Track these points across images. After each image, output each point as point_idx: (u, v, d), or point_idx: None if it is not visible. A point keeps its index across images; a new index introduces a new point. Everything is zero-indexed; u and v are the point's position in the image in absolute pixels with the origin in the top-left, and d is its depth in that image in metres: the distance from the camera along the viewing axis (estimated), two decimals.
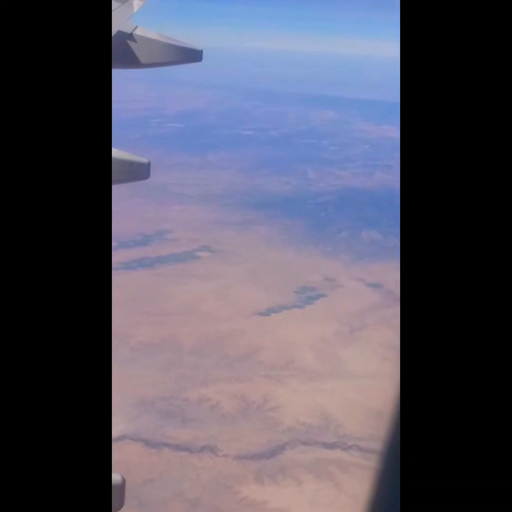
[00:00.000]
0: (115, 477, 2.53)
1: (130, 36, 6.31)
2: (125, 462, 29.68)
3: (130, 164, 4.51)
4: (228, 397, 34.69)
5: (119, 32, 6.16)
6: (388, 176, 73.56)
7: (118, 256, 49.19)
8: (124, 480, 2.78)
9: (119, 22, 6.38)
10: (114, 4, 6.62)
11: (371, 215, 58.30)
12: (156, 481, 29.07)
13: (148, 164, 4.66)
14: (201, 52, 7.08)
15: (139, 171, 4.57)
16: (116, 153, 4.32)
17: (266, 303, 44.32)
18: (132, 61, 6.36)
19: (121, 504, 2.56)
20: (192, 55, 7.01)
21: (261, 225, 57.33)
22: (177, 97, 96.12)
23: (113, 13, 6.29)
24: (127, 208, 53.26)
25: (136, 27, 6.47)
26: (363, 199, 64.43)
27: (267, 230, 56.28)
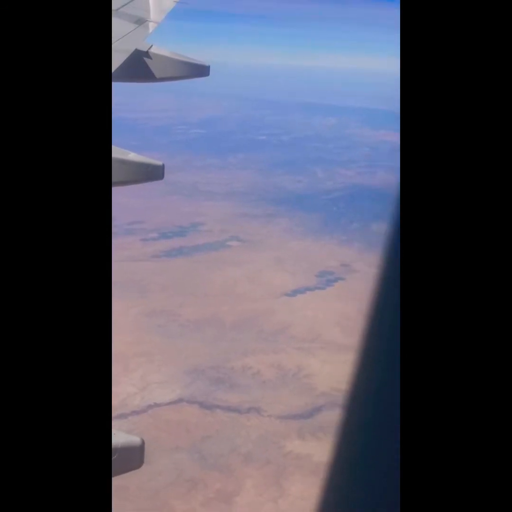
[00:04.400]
0: (135, 439, 2.33)
1: (146, 53, 6.34)
2: (184, 421, 29.97)
3: (147, 166, 4.34)
4: (267, 366, 34.78)
5: (137, 50, 6.16)
6: (389, 175, 73.31)
7: (160, 246, 49.40)
8: (143, 442, 2.41)
9: (136, 41, 6.40)
10: (132, 26, 6.75)
11: (378, 209, 58.28)
12: (213, 438, 29.19)
13: (162, 166, 4.42)
14: (208, 67, 7.02)
15: (155, 172, 4.36)
16: (134, 156, 4.28)
17: (291, 285, 44.38)
18: (148, 76, 6.40)
19: (141, 463, 2.39)
20: (201, 70, 7.01)
21: (281, 217, 57.38)
22: (198, 107, 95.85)
23: (131, 33, 6.60)
24: (165, 204, 53.45)
25: (151, 45, 6.49)
26: (369, 195, 64.26)
27: (287, 222, 56.31)
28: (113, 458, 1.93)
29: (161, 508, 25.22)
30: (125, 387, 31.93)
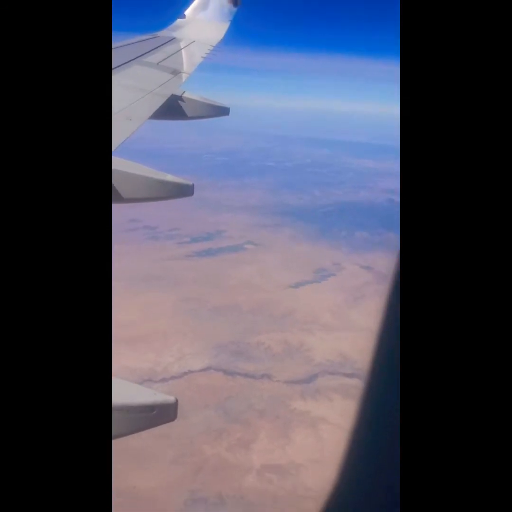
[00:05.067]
0: (171, 398, 2.14)
1: (180, 98, 6.33)
2: (212, 385, 30.03)
3: (181, 185, 4.15)
4: (276, 342, 34.76)
5: (173, 95, 6.12)
6: (369, 194, 73.97)
7: (192, 248, 49.40)
8: (177, 400, 2.20)
9: (172, 88, 6.32)
10: (169, 76, 6.66)
11: (360, 221, 58.39)
12: (234, 398, 29.22)
13: (193, 185, 4.24)
14: (228, 109, 7.04)
15: (187, 190, 4.20)
16: (171, 178, 4.09)
17: (294, 279, 44.32)
18: (182, 115, 6.36)
19: (175, 417, 2.17)
20: (223, 111, 7.01)
21: (286, 226, 57.28)
22: (219, 140, 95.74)
23: (168, 82, 6.49)
24: (195, 216, 53.51)
25: (184, 91, 6.49)
26: (354, 209, 64.36)
27: (290, 230, 56.21)
28: (152, 413, 1.91)
29: (194, 452, 25.27)
30: (166, 358, 32.03)
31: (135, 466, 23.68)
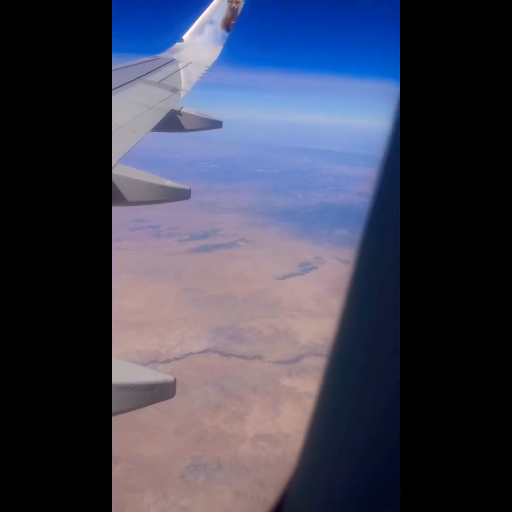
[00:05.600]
0: (170, 377, 2.11)
1: (179, 112, 6.29)
2: (210, 365, 30.01)
3: (179, 189, 4.10)
4: (266, 327, 34.74)
5: (172, 110, 6.09)
6: (346, 196, 74.09)
7: (191, 245, 49.33)
8: (175, 380, 2.15)
9: (172, 103, 6.30)
10: (169, 93, 6.64)
11: (339, 220, 58.42)
12: (229, 376, 29.20)
13: (189, 190, 4.18)
14: (221, 122, 7.00)
15: (185, 194, 4.14)
16: (170, 183, 4.03)
17: (282, 272, 44.28)
18: (180, 128, 6.33)
19: (173, 394, 2.14)
20: (217, 124, 6.96)
21: (273, 225, 57.12)
22: (214, 149, 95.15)
23: (168, 98, 6.45)
24: (193, 216, 53.40)
25: (182, 107, 6.46)
26: (333, 210, 64.27)
27: (277, 229, 56.10)
28: (154, 391, 1.91)
29: (195, 423, 25.31)
30: (169, 341, 32.00)
31: (143, 436, 23.69)
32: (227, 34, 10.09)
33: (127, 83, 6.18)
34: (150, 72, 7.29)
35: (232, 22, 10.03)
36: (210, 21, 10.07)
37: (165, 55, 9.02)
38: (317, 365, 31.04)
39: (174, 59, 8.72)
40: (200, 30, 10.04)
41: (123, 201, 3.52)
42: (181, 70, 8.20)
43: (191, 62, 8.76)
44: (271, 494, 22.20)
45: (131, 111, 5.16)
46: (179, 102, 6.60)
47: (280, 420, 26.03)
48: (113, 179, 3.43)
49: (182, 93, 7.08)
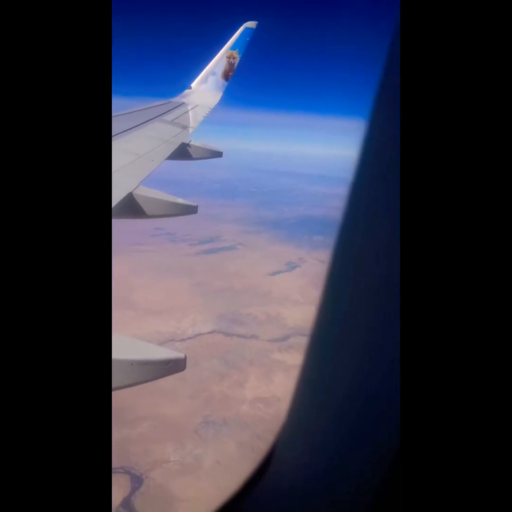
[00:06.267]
0: (181, 355, 1.99)
1: (188, 145, 6.16)
2: (216, 343, 29.93)
3: (188, 206, 3.98)
4: (260, 313, 34.63)
5: (182, 143, 5.97)
6: (322, 210, 73.60)
7: (200, 248, 49.14)
8: (185, 356, 2.02)
9: (182, 138, 6.18)
10: (180, 130, 6.55)
11: (317, 228, 58.19)
12: (232, 351, 29.11)
13: (196, 206, 4.08)
14: (222, 152, 6.90)
15: (193, 209, 4.05)
16: (181, 200, 3.90)
17: (272, 269, 44.14)
18: (189, 157, 6.22)
19: (184, 368, 2.02)
20: (218, 154, 6.84)
21: (265, 233, 56.82)
22: (216, 172, 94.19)
23: (179, 134, 6.32)
24: (201, 225, 53.15)
25: (191, 140, 6.32)
26: (311, 221, 64.12)
27: (268, 235, 55.86)
28: (169, 365, 1.90)
29: (205, 389, 25.29)
30: (183, 324, 31.95)
31: (164, 400, 23.64)
32: (226, 83, 10.09)
33: (146, 121, 6.17)
34: (165, 113, 7.28)
35: (230, 73, 10.04)
36: (213, 73, 10.07)
37: (176, 99, 9.00)
38: (302, 342, 30.98)
39: (184, 103, 8.70)
40: (204, 79, 10.03)
41: (144, 215, 3.51)
42: (189, 112, 8.18)
43: (198, 105, 8.74)
44: (267, 445, 22.16)
45: (150, 144, 5.14)
46: (188, 137, 6.54)
47: (272, 386, 26.02)
48: (136, 198, 3.42)
49: (191, 130, 7.01)
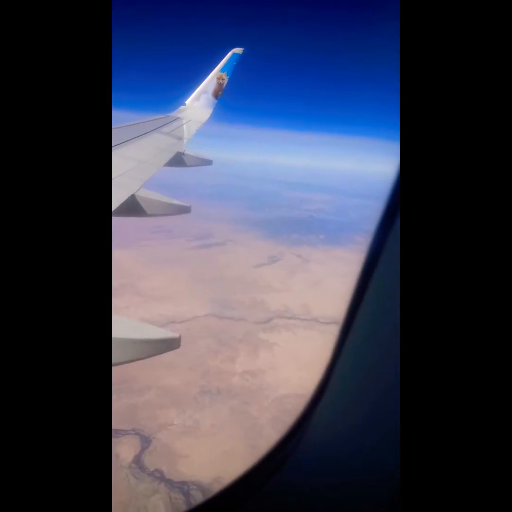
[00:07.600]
0: (176, 334, 1.88)
1: (183, 154, 6.02)
2: (209, 325, 29.82)
3: (182, 206, 3.88)
4: (247, 299, 34.52)
5: (178, 152, 5.84)
6: (299, 212, 72.89)
7: (195, 243, 48.67)
8: (180, 336, 1.89)
9: (178, 148, 6.05)
10: (176, 140, 6.43)
11: (294, 228, 57.91)
12: (224, 332, 28.97)
13: (190, 206, 3.92)
14: (212, 160, 6.66)
15: (186, 209, 3.91)
16: (176, 201, 3.64)
17: (256, 262, 43.90)
18: (184, 164, 6.07)
19: (179, 346, 1.91)
20: (209, 162, 6.63)
21: (250, 232, 56.09)
22: (208, 178, 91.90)
23: (175, 144, 6.17)
24: (196, 224, 52.75)
25: (185, 150, 6.19)
26: (290, 221, 62.95)
27: (253, 233, 55.23)
28: (165, 344, 1.86)
29: (201, 363, 25.26)
30: (182, 308, 31.80)
31: (166, 372, 23.57)
32: (216, 101, 9.99)
33: (146, 133, 6.09)
34: (162, 125, 7.19)
35: (219, 93, 9.93)
36: (205, 91, 9.95)
37: (173, 114, 8.89)
38: (282, 324, 31.10)
39: (179, 117, 8.60)
40: (197, 97, 9.93)
41: (144, 214, 3.46)
42: (184, 125, 8.08)
43: (191, 120, 8.65)
44: (255, 411, 22.39)
45: (150, 152, 5.08)
46: (183, 147, 6.46)
47: (258, 361, 26.04)
48: (138, 199, 3.37)
49: (185, 141, 6.93)
